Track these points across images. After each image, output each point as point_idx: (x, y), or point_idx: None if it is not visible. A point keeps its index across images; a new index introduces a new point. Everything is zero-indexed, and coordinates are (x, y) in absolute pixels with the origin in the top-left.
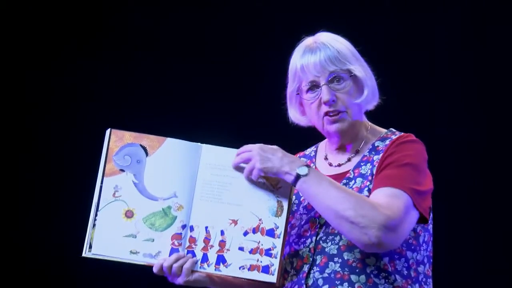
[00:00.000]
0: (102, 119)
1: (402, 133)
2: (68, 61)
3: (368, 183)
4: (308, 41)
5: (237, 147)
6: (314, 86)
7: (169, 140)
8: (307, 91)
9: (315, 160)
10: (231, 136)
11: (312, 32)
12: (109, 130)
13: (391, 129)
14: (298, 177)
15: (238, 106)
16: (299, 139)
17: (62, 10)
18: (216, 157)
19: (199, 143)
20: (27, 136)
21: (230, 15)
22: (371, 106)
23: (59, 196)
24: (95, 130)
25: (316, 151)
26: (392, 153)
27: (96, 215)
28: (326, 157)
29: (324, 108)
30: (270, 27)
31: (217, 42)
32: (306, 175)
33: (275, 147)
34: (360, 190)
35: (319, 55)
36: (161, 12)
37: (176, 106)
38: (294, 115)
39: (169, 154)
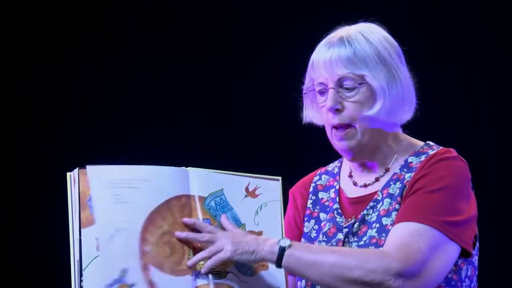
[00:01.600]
0: (95, 122)
1: (440, 148)
2: (57, 63)
3: (397, 205)
4: (336, 32)
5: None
6: (323, 88)
7: (153, 169)
8: (318, 92)
9: (339, 177)
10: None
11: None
12: (75, 171)
13: (428, 142)
14: (281, 253)
15: (240, 109)
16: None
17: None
18: (205, 183)
19: (184, 167)
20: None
21: (231, 15)
22: (399, 119)
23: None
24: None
25: (340, 167)
26: (424, 175)
27: (81, 275)
28: (350, 174)
29: (331, 118)
30: (270, 28)
31: (218, 42)
32: (289, 246)
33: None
34: (388, 213)
35: (332, 53)
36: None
37: (175, 107)
38: (308, 115)
39: (156, 185)
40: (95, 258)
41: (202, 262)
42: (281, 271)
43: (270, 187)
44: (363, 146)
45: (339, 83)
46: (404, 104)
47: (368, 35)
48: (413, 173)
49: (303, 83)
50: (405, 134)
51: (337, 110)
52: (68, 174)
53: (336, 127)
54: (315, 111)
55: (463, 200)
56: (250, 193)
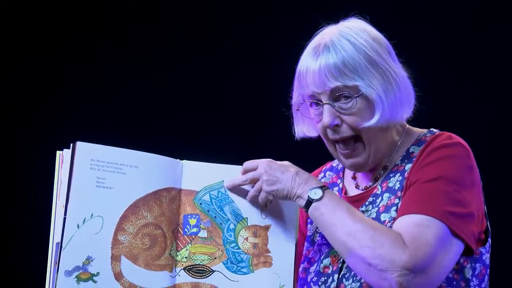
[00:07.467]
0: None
1: (439, 133)
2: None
3: (397, 200)
4: (321, 36)
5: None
6: (316, 100)
7: (146, 156)
8: (310, 105)
9: (343, 175)
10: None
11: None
12: (66, 150)
13: (431, 129)
14: (310, 201)
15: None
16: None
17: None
18: (199, 176)
19: (178, 160)
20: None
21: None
22: (400, 119)
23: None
24: None
25: None
26: (422, 164)
27: (59, 257)
28: (354, 175)
29: (330, 134)
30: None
31: (216, 40)
32: (319, 199)
33: (285, 163)
34: (387, 208)
35: (320, 63)
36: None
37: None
38: (301, 130)
39: (146, 173)
40: (69, 240)
41: (185, 258)
42: (290, 267)
43: None
44: (371, 157)
45: (333, 97)
46: (403, 105)
47: (353, 37)
48: (412, 163)
49: (290, 97)
50: (407, 124)
51: (336, 126)
52: (58, 152)
53: (338, 142)
54: (308, 125)
55: (465, 190)
56: None
